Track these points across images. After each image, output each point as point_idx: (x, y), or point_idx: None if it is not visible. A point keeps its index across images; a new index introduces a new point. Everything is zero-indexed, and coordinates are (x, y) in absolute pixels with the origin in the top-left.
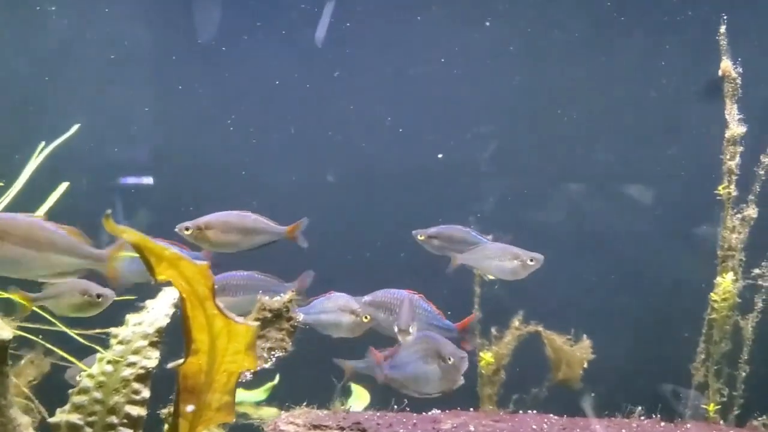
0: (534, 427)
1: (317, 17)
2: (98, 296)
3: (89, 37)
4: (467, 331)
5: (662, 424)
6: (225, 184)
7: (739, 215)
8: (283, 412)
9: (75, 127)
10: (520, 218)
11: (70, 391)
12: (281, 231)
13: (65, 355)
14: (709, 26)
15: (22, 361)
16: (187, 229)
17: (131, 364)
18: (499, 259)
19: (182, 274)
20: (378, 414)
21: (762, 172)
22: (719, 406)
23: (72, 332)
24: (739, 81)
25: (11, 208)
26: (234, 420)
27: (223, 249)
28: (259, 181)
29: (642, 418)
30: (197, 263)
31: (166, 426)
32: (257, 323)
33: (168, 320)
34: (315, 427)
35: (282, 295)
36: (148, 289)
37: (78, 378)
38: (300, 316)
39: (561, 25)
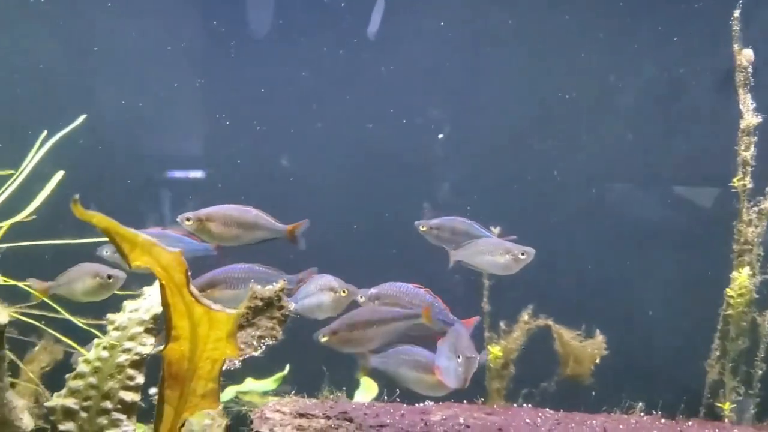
0: (527, 421)
1: (367, 13)
2: (109, 277)
3: (138, 29)
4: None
5: (663, 420)
6: (269, 180)
7: (755, 208)
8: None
9: (81, 118)
10: (535, 211)
11: (67, 375)
12: (281, 229)
13: (67, 340)
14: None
15: (36, 348)
16: (188, 219)
17: (126, 350)
18: (491, 254)
19: (157, 261)
20: (366, 404)
21: None
22: (734, 405)
23: (75, 319)
24: (750, 69)
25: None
26: (219, 407)
27: (222, 242)
28: (303, 179)
29: (642, 414)
30: (171, 250)
31: None
32: (237, 311)
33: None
34: (301, 415)
35: (274, 284)
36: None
37: (75, 363)
38: (291, 305)
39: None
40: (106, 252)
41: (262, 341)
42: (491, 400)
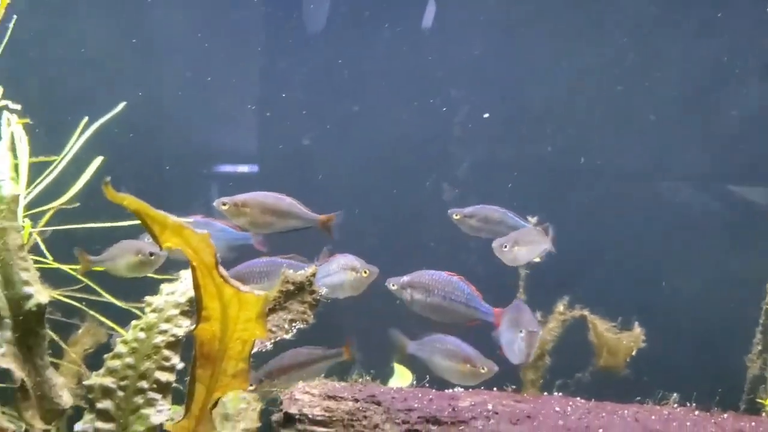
0: (557, 409)
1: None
2: (151, 254)
3: (191, 23)
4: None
5: (696, 413)
6: (309, 171)
7: None
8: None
9: (121, 105)
10: (576, 201)
11: (105, 356)
12: (315, 219)
13: (109, 322)
14: None
15: (80, 331)
16: (224, 204)
17: (162, 332)
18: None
19: (187, 243)
20: (395, 389)
21: None
22: None
23: (117, 301)
24: None
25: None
26: (249, 387)
27: (256, 228)
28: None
29: (675, 405)
30: (199, 232)
31: None
32: (265, 293)
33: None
34: (330, 397)
35: (306, 268)
36: None
37: (114, 344)
38: (323, 290)
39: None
40: (147, 238)
41: (294, 324)
42: (525, 391)
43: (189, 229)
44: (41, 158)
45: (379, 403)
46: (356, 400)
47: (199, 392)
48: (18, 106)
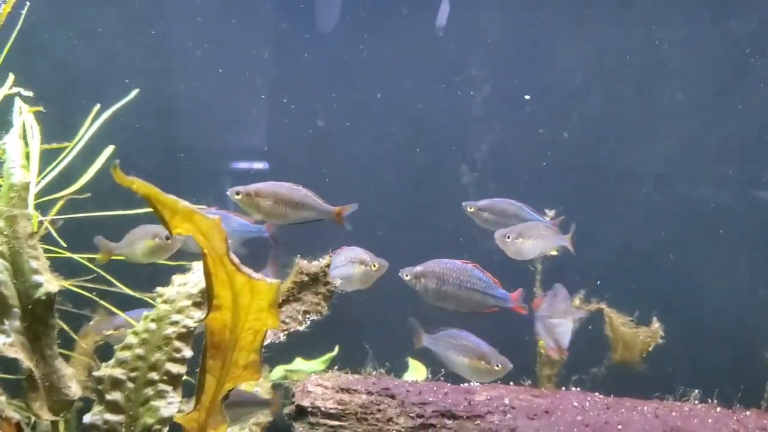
0: (575, 404)
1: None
2: (167, 238)
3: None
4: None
5: (718, 409)
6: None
7: None
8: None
9: (134, 92)
10: (599, 196)
11: (116, 346)
12: (329, 210)
13: (121, 313)
14: None
15: (91, 322)
16: (237, 193)
17: (174, 323)
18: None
19: (198, 229)
20: (409, 382)
21: None
22: None
23: (129, 290)
24: None
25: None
26: (260, 378)
27: (269, 218)
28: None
29: (697, 402)
30: (210, 216)
31: None
32: (279, 280)
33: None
34: (343, 390)
35: (320, 259)
36: None
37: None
38: (337, 282)
39: None
40: None
41: (307, 316)
42: (541, 386)
43: (200, 214)
44: (54, 145)
45: (393, 397)
46: (370, 393)
47: (210, 384)
48: (30, 93)
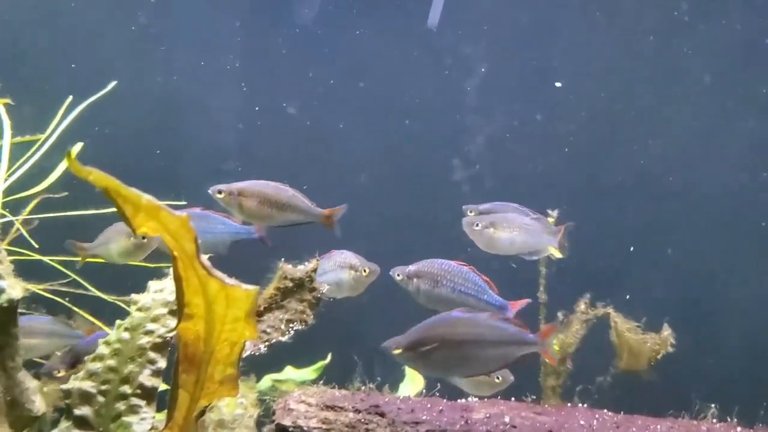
0: (582, 422)
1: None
2: (144, 237)
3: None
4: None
5: (739, 429)
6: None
7: None
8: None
9: (112, 84)
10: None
11: (86, 357)
12: (318, 213)
13: (92, 318)
14: None
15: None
16: (220, 192)
17: (148, 332)
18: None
19: (165, 227)
20: (401, 398)
21: None
22: None
23: (104, 295)
24: None
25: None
26: (237, 394)
27: (253, 220)
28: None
29: (714, 420)
30: (178, 214)
31: None
32: (256, 287)
33: None
34: (328, 407)
35: (306, 263)
36: None
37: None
38: (324, 287)
39: None
40: None
41: (291, 325)
42: (546, 399)
43: (166, 211)
44: (23, 138)
45: (383, 415)
46: (357, 411)
47: (183, 399)
48: None
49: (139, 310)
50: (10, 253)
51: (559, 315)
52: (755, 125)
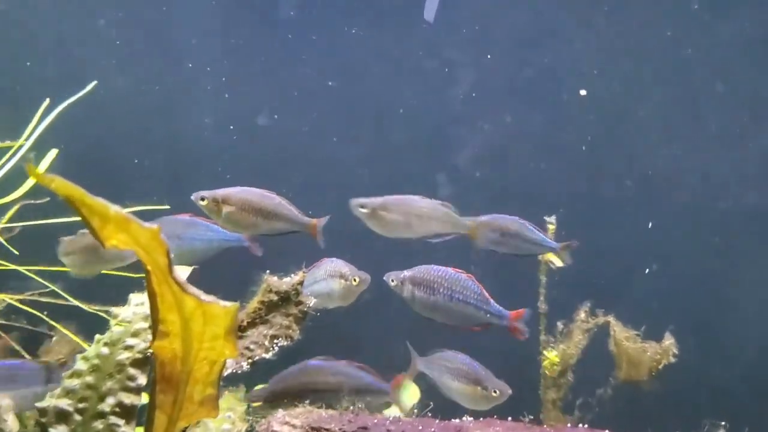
0: None
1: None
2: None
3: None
4: (520, 321)
5: None
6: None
7: None
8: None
9: (92, 84)
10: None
11: (63, 374)
12: (304, 222)
13: (67, 332)
14: None
15: (54, 339)
16: (203, 199)
17: (128, 348)
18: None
19: (135, 240)
20: (391, 419)
21: None
22: None
23: (85, 306)
24: None
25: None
26: (218, 416)
27: (237, 229)
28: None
29: None
30: (148, 226)
31: None
32: (235, 304)
33: None
34: (314, 429)
35: (292, 275)
36: None
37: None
38: (311, 301)
39: None
40: None
41: (276, 341)
42: (546, 412)
43: (136, 222)
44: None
45: None
46: None
47: (160, 421)
48: None
49: (119, 324)
50: None
51: (559, 325)
52: (760, 132)
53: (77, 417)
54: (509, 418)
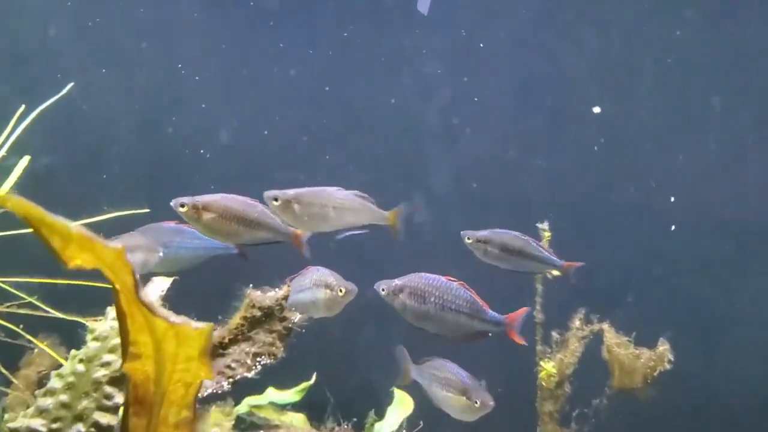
0: None
1: None
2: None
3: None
4: (516, 324)
5: None
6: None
7: None
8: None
9: (69, 86)
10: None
11: (37, 392)
12: (288, 232)
13: (42, 345)
14: None
15: (35, 350)
16: (182, 205)
17: (105, 365)
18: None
19: (101, 260)
20: None
21: None
22: None
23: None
24: None
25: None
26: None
27: (218, 237)
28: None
29: None
30: (112, 245)
31: None
32: (208, 324)
33: None
34: None
35: (276, 289)
36: None
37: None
38: (296, 316)
39: None
40: None
41: (259, 359)
42: (543, 425)
43: (100, 242)
44: None
45: None
46: None
47: None
48: None
49: (96, 339)
50: None
51: (554, 334)
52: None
53: None
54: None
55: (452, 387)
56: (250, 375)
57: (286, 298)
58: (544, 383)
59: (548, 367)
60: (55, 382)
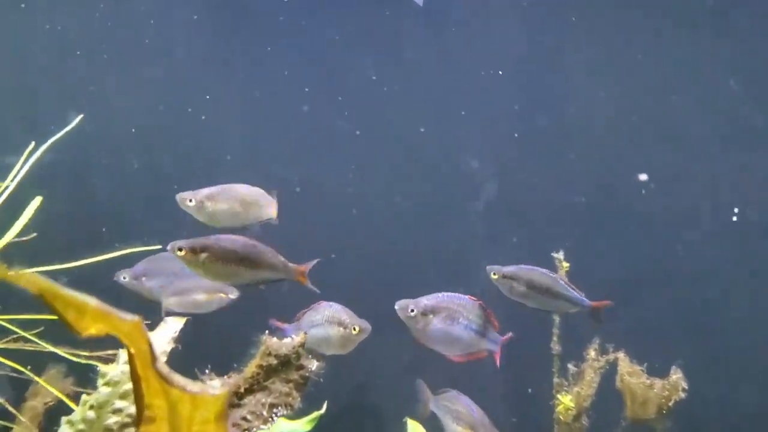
0: None
1: None
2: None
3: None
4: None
5: None
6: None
7: None
8: None
9: (79, 118)
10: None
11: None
12: (291, 269)
13: (42, 382)
14: None
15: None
16: (180, 249)
17: (117, 411)
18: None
19: (117, 330)
20: None
21: None
22: None
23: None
24: None
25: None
26: None
27: (218, 280)
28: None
29: None
30: (129, 319)
31: None
32: (226, 390)
33: (165, 358)
34: None
35: (293, 336)
36: None
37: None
38: (313, 364)
39: None
40: (124, 278)
41: (275, 411)
42: None
43: (115, 314)
44: None
45: None
46: None
47: None
48: None
49: (107, 384)
50: None
51: (570, 366)
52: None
53: None
54: None
55: (463, 421)
56: (266, 427)
57: (302, 345)
58: (561, 417)
59: (566, 400)
60: (65, 429)
